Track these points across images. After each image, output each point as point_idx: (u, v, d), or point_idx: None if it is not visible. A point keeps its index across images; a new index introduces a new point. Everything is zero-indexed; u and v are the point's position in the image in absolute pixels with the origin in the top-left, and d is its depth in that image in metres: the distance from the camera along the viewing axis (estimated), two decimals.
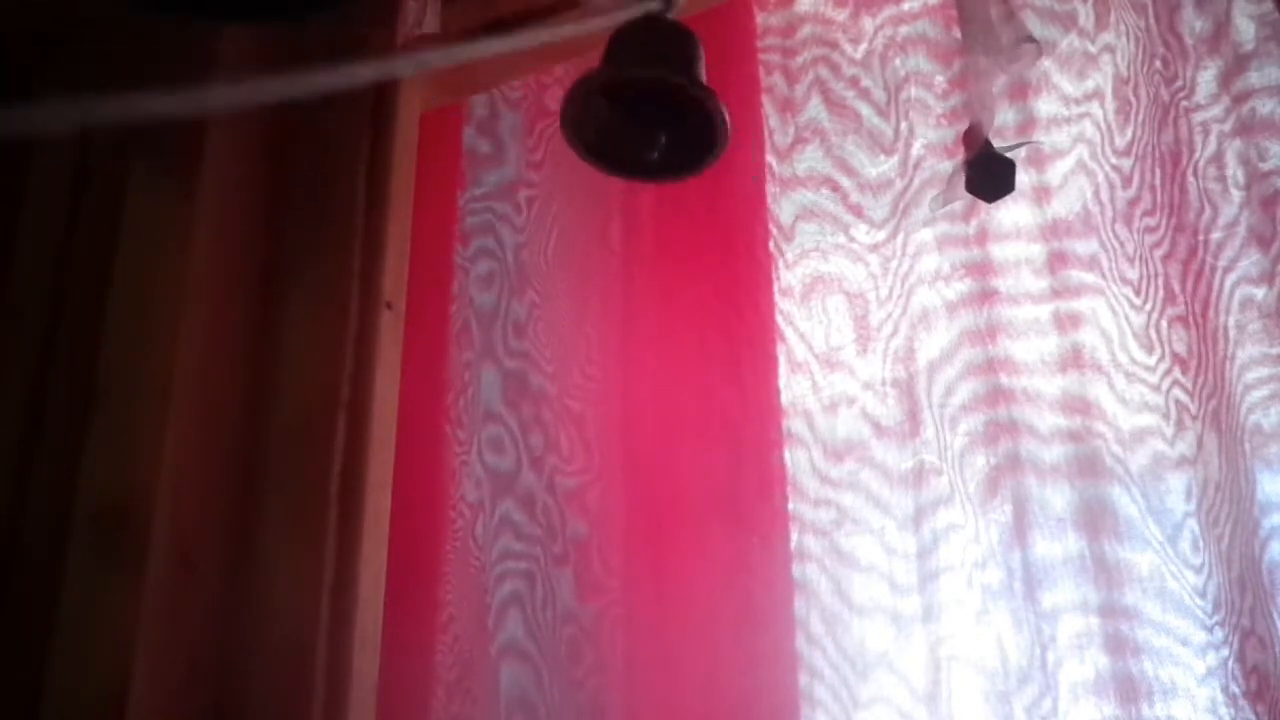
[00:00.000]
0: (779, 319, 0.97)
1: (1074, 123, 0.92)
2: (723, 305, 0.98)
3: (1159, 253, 0.86)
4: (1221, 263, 0.85)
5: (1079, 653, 0.81)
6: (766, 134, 1.01)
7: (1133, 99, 0.90)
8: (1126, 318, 0.86)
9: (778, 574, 0.90)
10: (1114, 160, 0.90)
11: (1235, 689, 0.77)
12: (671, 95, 0.76)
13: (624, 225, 1.04)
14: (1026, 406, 0.87)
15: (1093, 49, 0.93)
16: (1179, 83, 0.89)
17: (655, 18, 0.76)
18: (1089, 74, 0.92)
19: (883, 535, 0.89)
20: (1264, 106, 0.87)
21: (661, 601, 0.93)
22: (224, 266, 0.96)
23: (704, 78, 0.76)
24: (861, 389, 0.93)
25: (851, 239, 0.97)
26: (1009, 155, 0.80)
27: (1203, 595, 0.79)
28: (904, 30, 1.00)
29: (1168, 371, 0.84)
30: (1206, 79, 0.89)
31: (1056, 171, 0.91)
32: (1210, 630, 0.78)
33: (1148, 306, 0.86)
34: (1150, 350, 0.85)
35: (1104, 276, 0.88)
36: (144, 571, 0.84)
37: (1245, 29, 0.89)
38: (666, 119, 0.78)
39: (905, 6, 1.00)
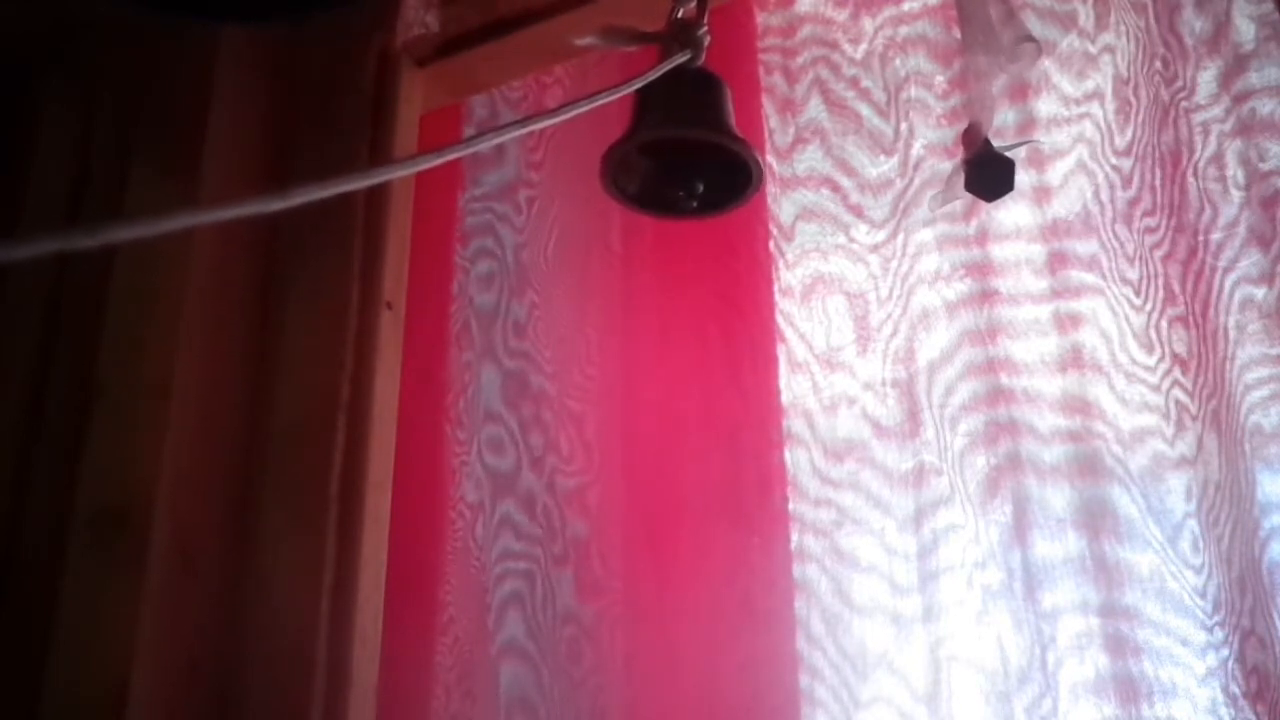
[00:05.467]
0: (779, 319, 0.97)
1: (1074, 123, 0.92)
2: (723, 305, 0.98)
3: (1159, 253, 0.86)
4: (1221, 263, 0.85)
5: (1079, 653, 0.81)
6: (766, 134, 1.01)
7: (1133, 99, 0.90)
8: (1126, 318, 0.86)
9: (778, 574, 0.90)
10: (1114, 160, 0.90)
11: (1235, 689, 0.77)
12: (706, 144, 0.80)
13: (624, 225, 1.04)
14: (1026, 407, 0.87)
15: (1093, 49, 0.93)
16: (1179, 83, 0.89)
17: (682, 68, 0.78)
18: (1089, 74, 0.92)
19: (883, 535, 0.89)
20: (1264, 106, 0.87)
21: (662, 602, 0.93)
22: (224, 266, 0.96)
23: (733, 120, 0.79)
24: (861, 389, 0.93)
25: (851, 239, 0.97)
26: (1008, 155, 0.80)
27: (1203, 595, 0.79)
28: (904, 30, 1.00)
29: (1168, 372, 0.84)
30: (1206, 79, 0.89)
31: (1056, 171, 0.91)
32: (1210, 630, 0.78)
33: (1148, 307, 0.86)
34: (1150, 350, 0.85)
35: (1104, 276, 0.88)
36: (144, 571, 0.84)
37: (1245, 29, 0.89)
38: (702, 163, 0.81)
39: (905, 6, 1.00)
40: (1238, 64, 0.88)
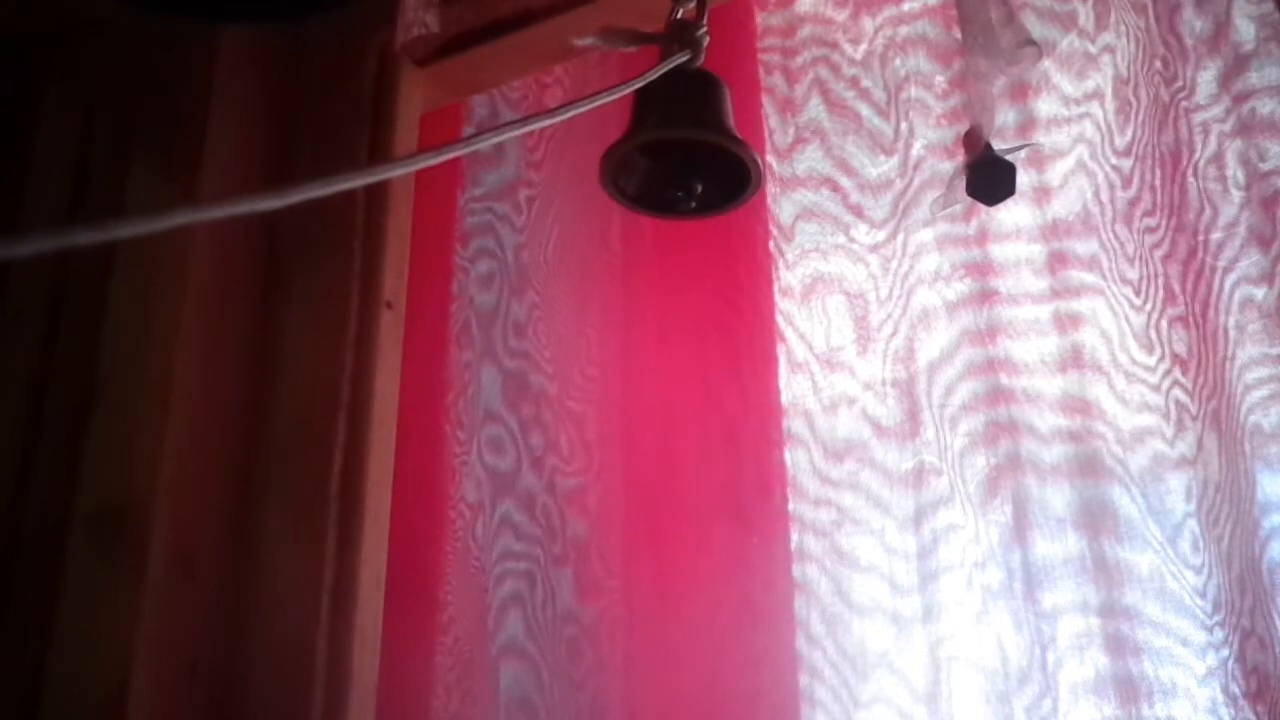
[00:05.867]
0: (779, 319, 0.97)
1: (1074, 123, 0.92)
2: (723, 305, 0.98)
3: (1159, 253, 0.86)
4: (1221, 263, 0.85)
5: (1079, 653, 0.81)
6: (766, 134, 1.01)
7: (1133, 99, 0.90)
8: (1126, 318, 0.86)
9: (778, 574, 0.90)
10: (1114, 160, 0.90)
11: (1235, 689, 0.77)
12: (706, 144, 0.80)
13: (624, 225, 1.04)
14: (1026, 406, 0.87)
15: (1093, 49, 0.93)
16: (1179, 83, 0.89)
17: (681, 68, 0.77)
18: (1089, 74, 0.92)
19: (883, 535, 0.89)
20: (1264, 106, 0.87)
21: (661, 602, 0.93)
22: (224, 266, 0.96)
23: (732, 121, 0.79)
24: (861, 389, 0.93)
25: (851, 239, 0.97)
26: (1010, 158, 0.80)
27: (1203, 595, 0.79)
28: (904, 30, 1.00)
29: (1168, 372, 0.84)
30: (1206, 79, 0.89)
31: (1056, 172, 0.91)
32: (1210, 631, 0.78)
33: (1148, 306, 0.86)
34: (1150, 350, 0.85)
35: (1104, 277, 0.88)
36: (143, 571, 0.84)
37: (1245, 29, 0.89)
38: (701, 163, 0.81)
39: (905, 6, 1.00)
40: (1238, 64, 0.88)
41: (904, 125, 0.97)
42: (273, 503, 0.91)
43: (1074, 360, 0.87)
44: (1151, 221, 0.87)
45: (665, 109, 0.78)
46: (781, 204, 0.99)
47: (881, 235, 0.96)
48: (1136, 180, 0.88)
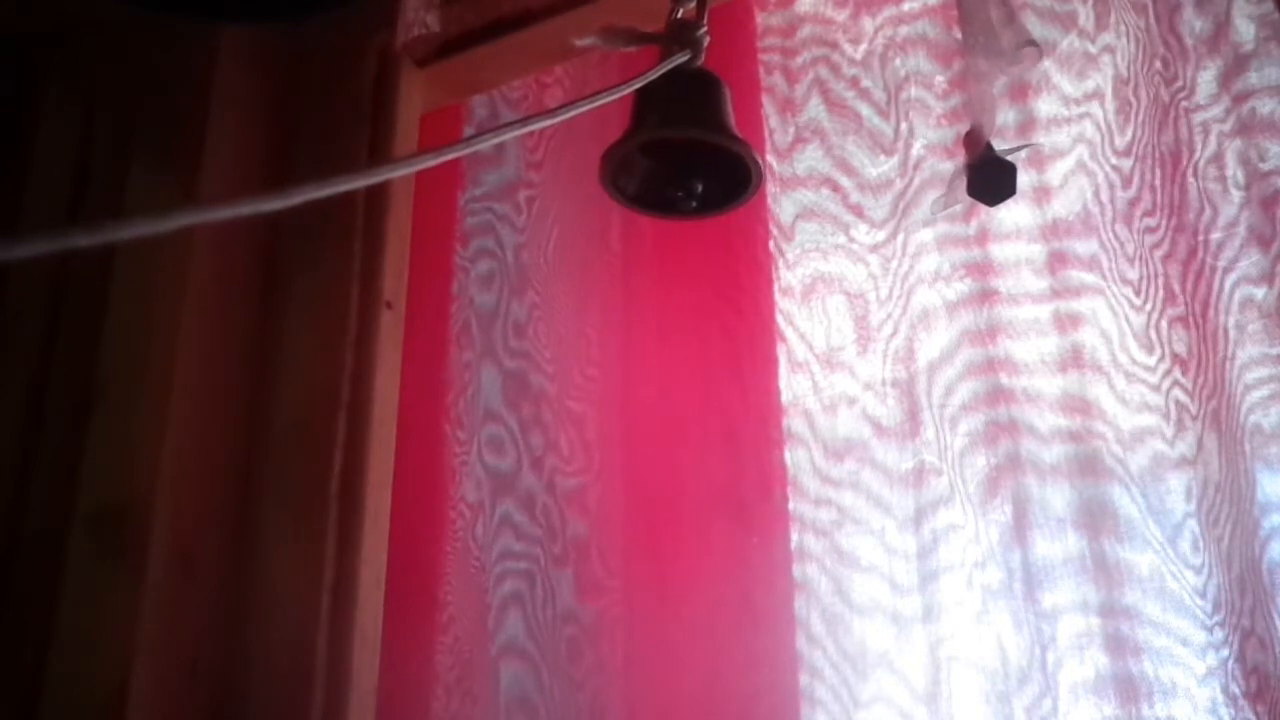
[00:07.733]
0: (779, 319, 0.97)
1: (1074, 123, 0.92)
2: (723, 305, 0.98)
3: (1159, 253, 0.86)
4: (1221, 263, 0.85)
5: (1079, 653, 0.81)
6: (766, 134, 1.01)
7: (1133, 99, 0.90)
8: (1126, 318, 0.86)
9: (778, 574, 0.90)
10: (1114, 160, 0.90)
11: (1235, 689, 0.77)
12: (706, 144, 0.80)
13: (624, 225, 1.04)
14: (1026, 406, 0.87)
15: (1093, 49, 0.93)
16: (1179, 83, 0.89)
17: (681, 68, 0.77)
18: (1089, 74, 0.92)
19: (883, 535, 0.89)
20: (1264, 106, 0.87)
21: (661, 601, 0.93)
22: (224, 267, 0.96)
23: (732, 120, 0.79)
24: (862, 389, 0.93)
25: (851, 239, 0.97)
26: (1011, 158, 0.80)
27: (1203, 595, 0.79)
28: (904, 30, 1.00)
29: (1168, 372, 0.84)
30: (1206, 79, 0.89)
31: (1056, 171, 0.91)
32: (1210, 630, 0.78)
33: (1148, 306, 0.86)
34: (1150, 350, 0.85)
35: (1104, 276, 0.88)
36: (144, 571, 0.84)
37: (1245, 29, 0.89)
38: (702, 163, 0.81)
39: (905, 6, 1.00)
40: (1238, 64, 0.88)
41: (904, 125, 0.97)
42: (273, 503, 0.91)
43: (1074, 360, 0.87)
44: (1151, 221, 0.87)
45: (665, 109, 0.78)
46: (781, 204, 0.99)
47: (881, 235, 0.96)
48: (1136, 180, 0.88)
